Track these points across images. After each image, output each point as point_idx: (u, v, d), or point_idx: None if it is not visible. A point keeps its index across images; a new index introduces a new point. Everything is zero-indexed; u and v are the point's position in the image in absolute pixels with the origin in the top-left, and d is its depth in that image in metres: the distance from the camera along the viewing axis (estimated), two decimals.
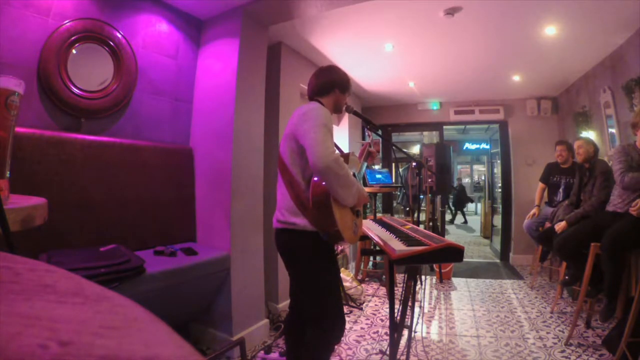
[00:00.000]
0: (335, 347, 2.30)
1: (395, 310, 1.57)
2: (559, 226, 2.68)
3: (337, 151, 1.31)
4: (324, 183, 1.30)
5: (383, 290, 3.55)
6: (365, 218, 4.71)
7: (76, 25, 1.83)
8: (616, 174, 2.22)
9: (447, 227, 5.40)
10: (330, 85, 1.57)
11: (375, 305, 3.13)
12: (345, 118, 4.30)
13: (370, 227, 1.78)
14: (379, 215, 3.95)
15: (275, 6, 2.31)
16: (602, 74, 3.32)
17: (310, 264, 1.44)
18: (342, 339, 2.43)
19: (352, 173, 1.38)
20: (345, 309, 2.95)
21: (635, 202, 2.07)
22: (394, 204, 5.85)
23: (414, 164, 3.69)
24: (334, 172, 1.25)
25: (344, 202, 1.34)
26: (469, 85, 4.31)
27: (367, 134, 1.95)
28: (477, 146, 11.38)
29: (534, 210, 3.56)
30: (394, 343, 1.55)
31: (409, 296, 1.64)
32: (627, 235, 2.07)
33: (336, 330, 1.45)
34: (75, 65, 1.83)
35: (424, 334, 2.47)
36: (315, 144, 1.28)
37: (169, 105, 2.36)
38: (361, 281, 3.63)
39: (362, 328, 2.63)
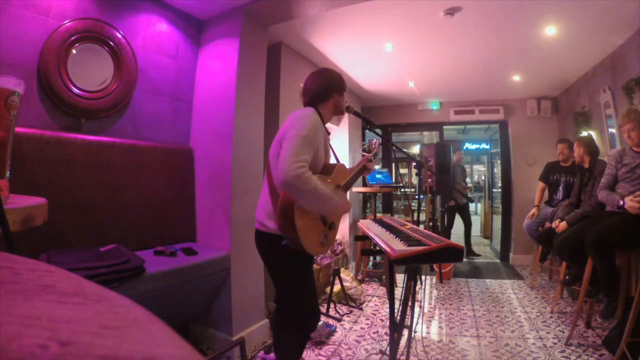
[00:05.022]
0: (335, 347, 2.30)
1: (395, 310, 1.57)
2: (560, 227, 2.68)
3: (305, 165, 1.28)
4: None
5: (383, 290, 3.55)
6: (365, 218, 4.69)
7: (76, 25, 1.83)
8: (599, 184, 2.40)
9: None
10: (329, 91, 1.56)
11: (375, 305, 3.14)
12: (345, 118, 4.30)
13: (370, 227, 1.78)
14: (379, 215, 3.95)
15: (275, 6, 2.31)
16: (602, 74, 3.32)
17: (280, 266, 1.51)
18: (342, 339, 2.43)
19: (322, 187, 1.33)
20: (345, 309, 2.96)
21: (636, 194, 2.06)
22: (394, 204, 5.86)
23: (414, 164, 3.69)
24: (294, 187, 1.27)
25: (312, 211, 1.38)
26: (469, 85, 4.31)
27: (372, 144, 1.90)
28: (477, 146, 11.37)
29: (533, 211, 3.56)
30: (394, 343, 1.55)
31: (409, 296, 1.64)
32: (612, 232, 2.06)
33: (305, 329, 1.54)
34: (75, 65, 1.83)
35: (424, 334, 2.47)
36: (284, 156, 1.29)
37: (169, 105, 2.36)
38: (361, 281, 3.63)
39: (362, 328, 2.63)
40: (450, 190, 4.44)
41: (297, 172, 1.25)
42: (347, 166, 1.86)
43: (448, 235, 4.96)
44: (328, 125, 1.84)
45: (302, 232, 1.33)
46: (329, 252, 3.72)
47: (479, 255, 5.03)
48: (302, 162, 1.28)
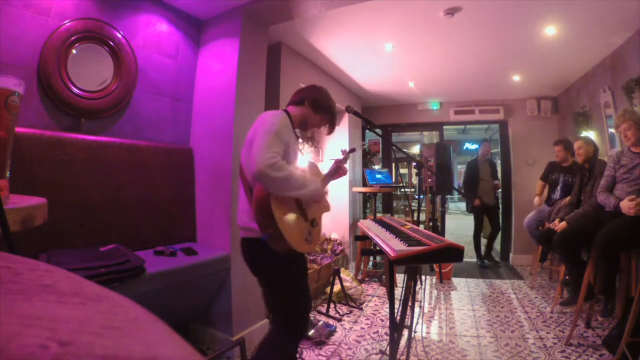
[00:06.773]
0: (335, 347, 2.30)
1: (395, 310, 1.57)
2: (559, 227, 2.68)
3: (277, 156, 1.29)
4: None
5: (383, 290, 3.55)
6: (365, 218, 4.68)
7: (76, 25, 1.83)
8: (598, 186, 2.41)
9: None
10: (302, 97, 1.58)
11: (375, 305, 3.14)
12: (345, 118, 4.29)
13: (370, 227, 1.78)
14: (379, 215, 3.95)
15: (275, 6, 2.31)
16: (602, 74, 3.32)
17: (271, 271, 1.46)
18: (342, 339, 2.43)
19: (296, 172, 1.35)
20: (345, 309, 2.95)
21: (631, 197, 2.06)
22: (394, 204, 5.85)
23: (414, 164, 3.68)
24: (267, 177, 1.26)
25: (290, 196, 1.37)
26: (469, 85, 4.31)
27: (344, 152, 1.85)
28: (477, 146, 11.38)
29: (536, 199, 3.57)
30: (394, 343, 1.55)
31: (409, 296, 1.64)
32: (620, 235, 2.07)
33: (296, 333, 1.48)
34: (75, 65, 1.83)
35: (424, 334, 2.47)
36: (256, 150, 1.30)
37: (169, 106, 2.36)
38: (361, 281, 3.63)
39: (362, 328, 2.63)
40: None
41: (270, 161, 1.26)
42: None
43: (477, 240, 4.58)
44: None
45: (283, 224, 1.31)
46: (329, 252, 3.72)
47: (487, 267, 4.57)
48: (274, 153, 1.29)
